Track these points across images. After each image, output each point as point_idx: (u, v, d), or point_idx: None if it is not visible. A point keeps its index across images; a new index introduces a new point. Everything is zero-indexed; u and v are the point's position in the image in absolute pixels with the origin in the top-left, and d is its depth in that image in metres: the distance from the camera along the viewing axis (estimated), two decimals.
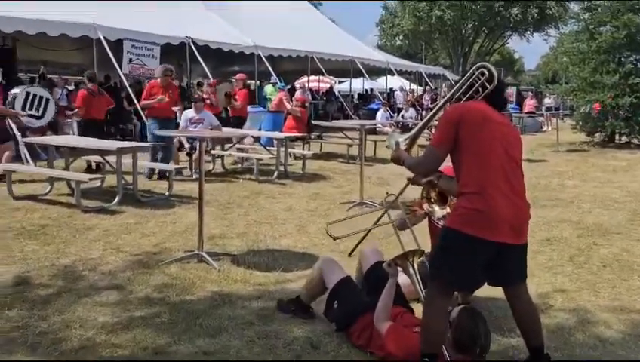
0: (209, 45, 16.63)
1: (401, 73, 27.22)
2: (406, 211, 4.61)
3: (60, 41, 13.79)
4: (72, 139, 9.56)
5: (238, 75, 13.84)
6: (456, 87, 3.64)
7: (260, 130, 15.00)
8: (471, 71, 3.55)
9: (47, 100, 10.97)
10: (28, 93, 10.73)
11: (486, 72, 3.47)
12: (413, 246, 4.41)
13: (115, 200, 7.96)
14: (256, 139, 12.36)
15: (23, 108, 10.58)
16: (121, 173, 8.18)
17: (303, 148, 13.36)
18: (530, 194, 3.55)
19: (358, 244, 5.79)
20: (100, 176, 8.62)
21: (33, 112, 10.74)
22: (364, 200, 8.37)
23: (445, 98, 3.75)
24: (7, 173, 8.30)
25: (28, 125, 10.99)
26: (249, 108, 15.82)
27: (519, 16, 42.19)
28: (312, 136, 14.29)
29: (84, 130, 11.01)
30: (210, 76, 17.20)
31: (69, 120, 12.80)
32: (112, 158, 8.47)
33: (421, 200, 4.29)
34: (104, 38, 13.68)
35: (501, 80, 3.47)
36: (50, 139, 9.19)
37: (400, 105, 23.79)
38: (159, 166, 9.68)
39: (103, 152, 8.56)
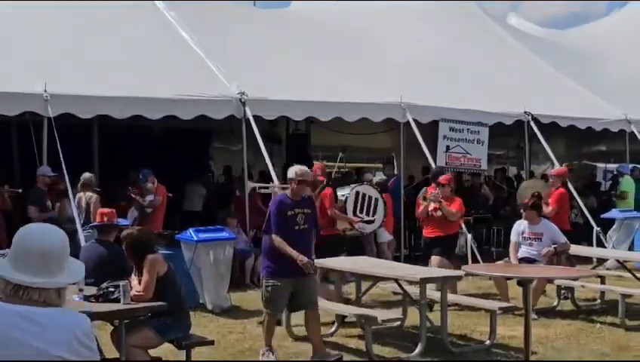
0: (557, 122, 16.69)
1: None
2: None
3: (361, 124, 15.17)
4: (364, 263, 10.25)
5: (553, 171, 13.22)
6: None
7: (632, 244, 14.40)
8: None
9: (377, 201, 12.16)
10: (357, 193, 12.07)
11: None
12: None
13: (417, 350, 8.27)
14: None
15: (354, 211, 11.93)
16: (426, 311, 8.51)
17: None
18: None
19: None
20: (396, 317, 9.07)
21: (364, 216, 12.05)
22: None
23: None
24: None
25: (361, 232, 12.29)
26: (616, 212, 15.31)
27: None
28: None
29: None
30: (555, 161, 17.15)
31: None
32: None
33: None
34: (414, 120, 14.68)
35: None
36: (335, 263, 9.99)
37: None
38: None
39: (402, 281, 9.01)
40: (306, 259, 7.81)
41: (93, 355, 2.90)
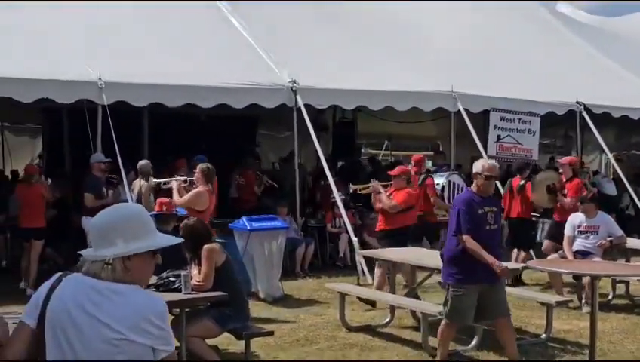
0: (610, 112, 16.51)
1: None
2: None
3: (408, 112, 15.13)
4: (420, 253, 10.24)
5: (564, 159, 13.00)
6: None
7: None
8: None
9: (464, 189, 12.45)
10: (450, 182, 12.76)
11: None
12: None
13: (473, 343, 8.27)
14: None
15: (448, 199, 12.50)
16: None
17: None
18: None
19: None
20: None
21: None
22: None
23: None
24: (339, 297, 9.26)
25: None
26: None
27: None
28: None
29: None
30: (607, 151, 17.01)
31: None
32: None
33: None
34: (464, 109, 14.61)
35: None
36: (387, 253, 10.00)
37: None
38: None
39: None
40: (503, 265, 7.09)
41: (164, 334, 2.96)
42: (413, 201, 10.80)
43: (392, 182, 10.88)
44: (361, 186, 12.34)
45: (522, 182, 12.19)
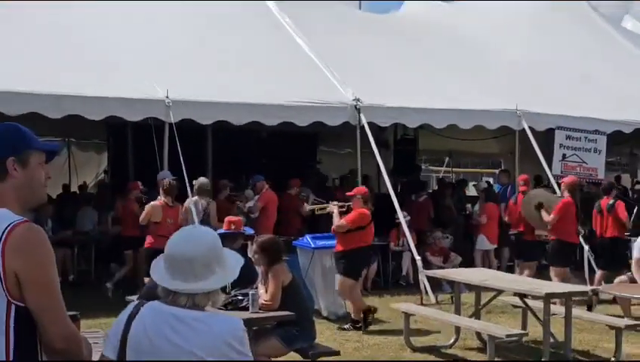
0: None
1: None
2: None
3: (470, 129, 15.02)
4: (487, 275, 10.17)
5: (564, 179, 12.50)
6: None
7: None
8: None
9: None
10: None
11: None
12: None
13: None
14: None
15: None
16: (549, 326, 8.37)
17: None
18: None
19: None
20: (519, 332, 8.96)
21: None
22: None
23: None
24: (404, 317, 9.23)
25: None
26: None
27: None
28: None
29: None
30: None
31: None
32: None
33: None
34: (530, 128, 14.46)
35: None
36: (455, 273, 9.96)
37: None
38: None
39: (524, 295, 8.90)
40: None
41: (244, 358, 2.98)
42: (364, 221, 10.29)
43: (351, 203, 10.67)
44: (318, 207, 12.33)
45: (611, 201, 12.33)
